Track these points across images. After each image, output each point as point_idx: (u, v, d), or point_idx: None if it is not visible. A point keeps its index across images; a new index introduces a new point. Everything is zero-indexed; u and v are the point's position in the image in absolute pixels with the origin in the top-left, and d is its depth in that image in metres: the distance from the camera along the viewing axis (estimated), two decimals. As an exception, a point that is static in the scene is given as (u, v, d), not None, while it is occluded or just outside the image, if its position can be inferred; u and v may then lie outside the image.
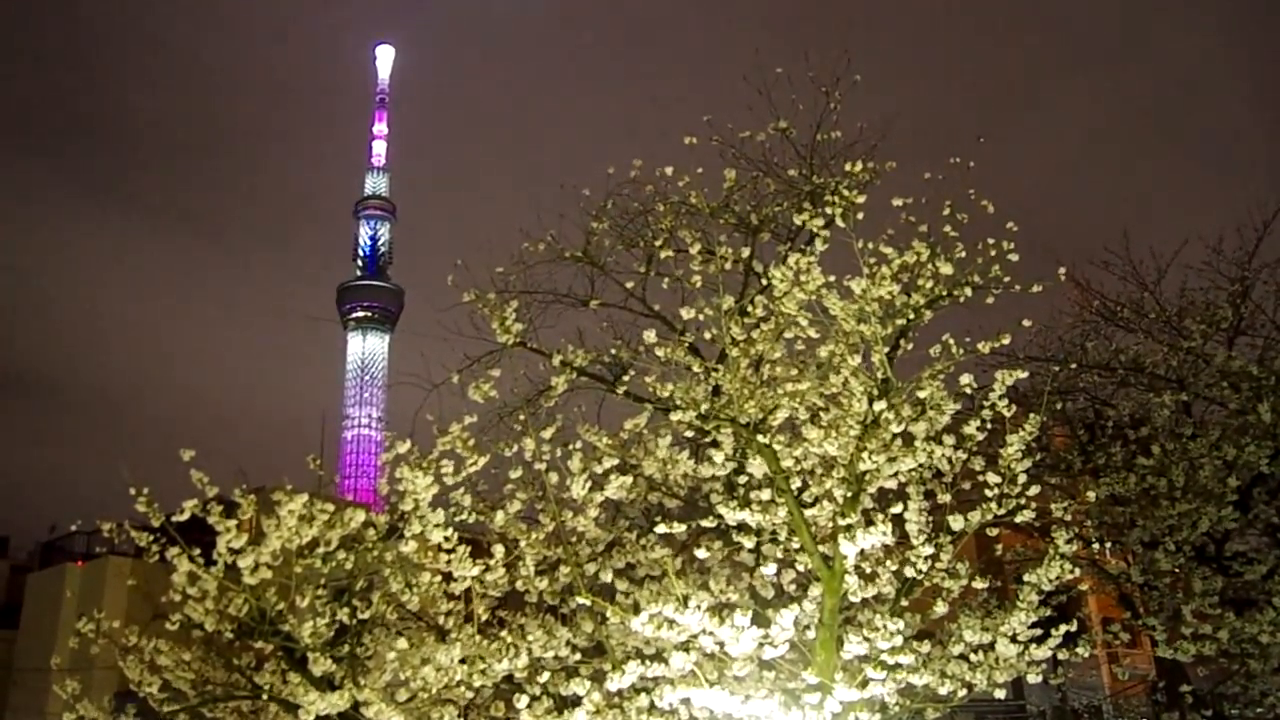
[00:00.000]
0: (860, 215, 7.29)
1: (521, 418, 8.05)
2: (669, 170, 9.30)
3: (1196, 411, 11.49)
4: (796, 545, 6.71)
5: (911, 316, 6.64)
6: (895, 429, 6.32)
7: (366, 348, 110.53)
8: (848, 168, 8.11)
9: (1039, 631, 6.74)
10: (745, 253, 8.73)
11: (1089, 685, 21.15)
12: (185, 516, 6.86)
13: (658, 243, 9.52)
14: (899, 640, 6.21)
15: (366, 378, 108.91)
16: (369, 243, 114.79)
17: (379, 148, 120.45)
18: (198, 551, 6.88)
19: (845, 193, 7.31)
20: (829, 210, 7.19)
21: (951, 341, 6.53)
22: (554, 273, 10.12)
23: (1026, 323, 7.37)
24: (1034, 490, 6.59)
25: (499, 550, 7.01)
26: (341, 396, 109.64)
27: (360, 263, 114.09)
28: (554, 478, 7.05)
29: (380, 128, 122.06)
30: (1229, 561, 10.53)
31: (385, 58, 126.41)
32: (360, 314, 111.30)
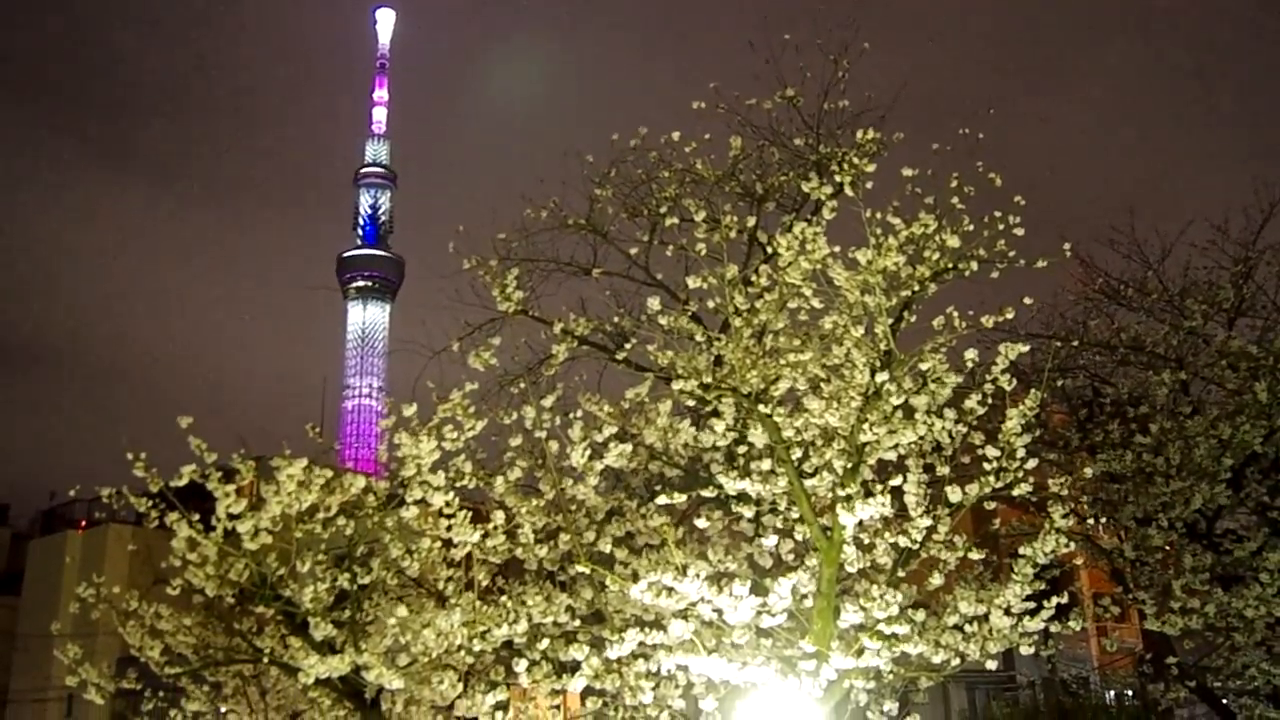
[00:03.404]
0: (869, 184, 7.27)
1: (522, 385, 8.08)
2: (675, 136, 9.24)
3: (1194, 391, 11.54)
4: (796, 515, 6.75)
5: (916, 289, 6.64)
6: (896, 401, 6.34)
7: (367, 317, 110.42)
8: (858, 136, 8.07)
9: (1032, 604, 6.81)
10: (750, 222, 8.70)
11: (1078, 657, 21.40)
12: (184, 481, 6.87)
13: (662, 211, 9.49)
14: (895, 610, 6.28)
15: (367, 347, 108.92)
16: (369, 211, 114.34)
17: (379, 114, 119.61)
18: (197, 517, 6.91)
19: (856, 160, 7.28)
20: (838, 178, 7.16)
21: (955, 315, 6.54)
22: (556, 240, 10.11)
23: (1029, 300, 7.36)
24: (1031, 465, 6.62)
25: (499, 517, 7.05)
26: (342, 366, 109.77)
27: (360, 232, 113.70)
28: (554, 446, 7.07)
29: (380, 94, 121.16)
30: (1219, 539, 10.63)
31: (385, 21, 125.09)
32: (361, 284, 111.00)
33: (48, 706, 24.94)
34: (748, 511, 6.89)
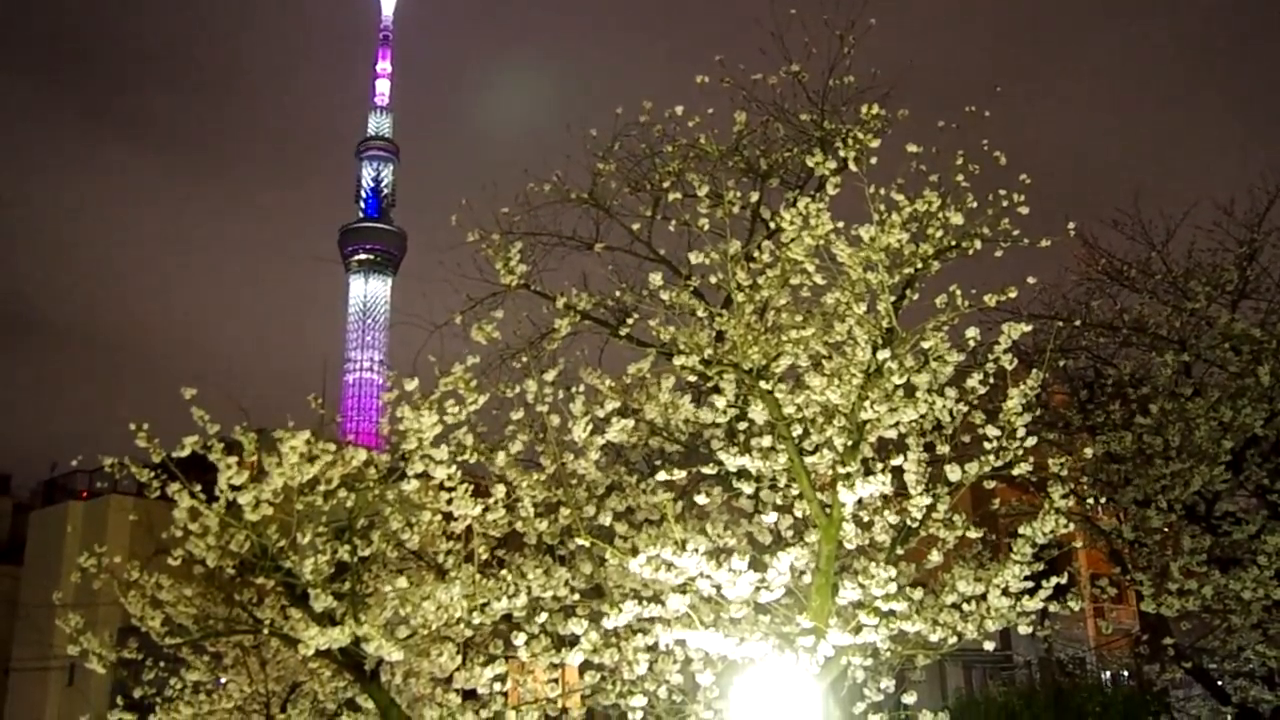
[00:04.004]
0: (874, 160, 7.22)
1: (524, 360, 8.06)
2: (678, 110, 9.17)
3: (1196, 373, 11.52)
4: (795, 492, 6.75)
5: (919, 266, 6.61)
6: (898, 379, 6.33)
7: (369, 291, 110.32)
8: (862, 111, 8.01)
9: (1030, 584, 6.82)
10: (753, 198, 8.67)
11: (1075, 638, 21.53)
12: (186, 452, 6.86)
13: (665, 185, 9.44)
14: (893, 588, 6.29)
15: (368, 321, 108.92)
16: (372, 184, 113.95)
17: (382, 86, 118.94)
18: (199, 488, 6.91)
19: (860, 135, 7.23)
20: (842, 154, 7.12)
21: (958, 293, 6.51)
22: (559, 215, 10.07)
23: (1032, 279, 7.32)
24: (1031, 444, 6.61)
25: (499, 491, 7.06)
26: (343, 340, 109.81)
27: (362, 204, 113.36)
28: (555, 420, 7.07)
29: (384, 66, 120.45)
30: (1218, 521, 10.64)
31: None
32: (362, 256, 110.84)
33: (49, 675, 25.14)
34: (747, 488, 6.89)
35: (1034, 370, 6.70)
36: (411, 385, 6.84)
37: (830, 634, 6.24)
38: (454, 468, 6.87)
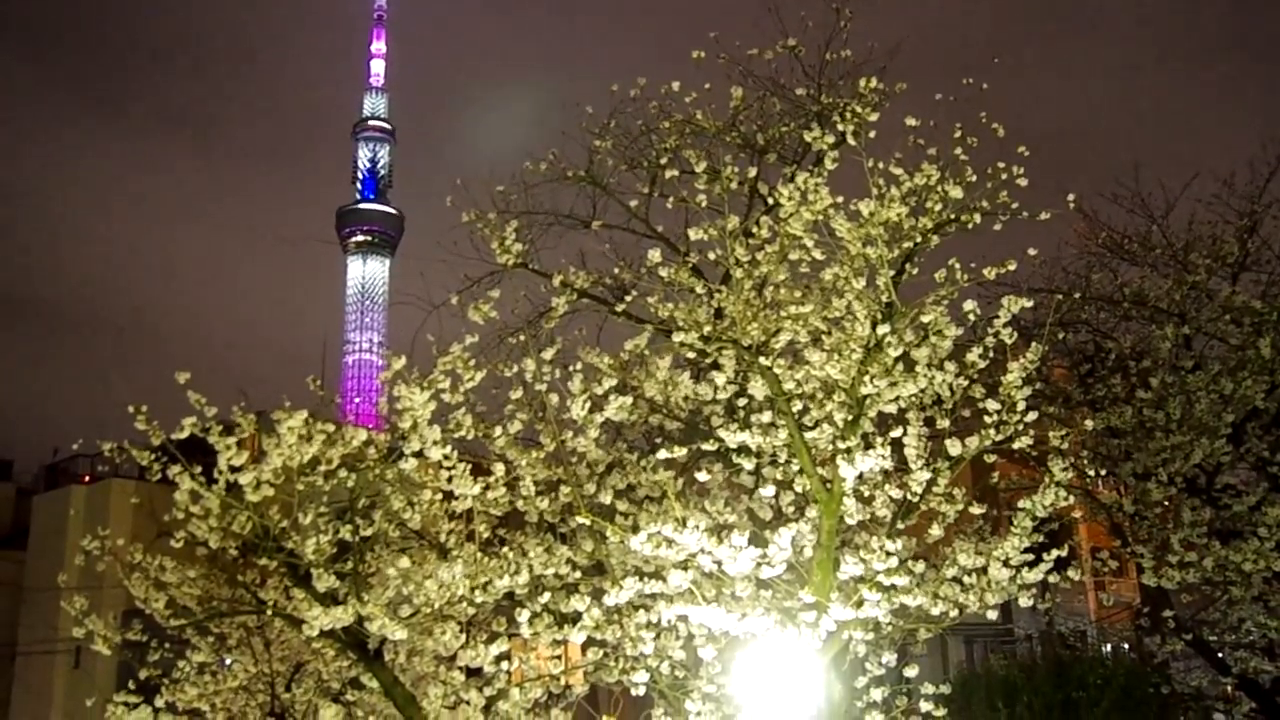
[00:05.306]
0: (872, 134, 7.17)
1: (522, 339, 8.05)
2: (675, 85, 9.10)
3: (1197, 346, 11.52)
4: (796, 468, 6.76)
5: (918, 240, 6.58)
6: (897, 354, 6.32)
7: (367, 272, 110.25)
8: (859, 85, 7.95)
9: (1031, 557, 6.83)
10: (751, 173, 8.61)
11: (1076, 611, 21.65)
12: (184, 434, 6.85)
13: (662, 162, 9.39)
14: (894, 562, 6.30)
15: (367, 302, 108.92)
16: (368, 165, 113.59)
17: (377, 67, 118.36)
18: (199, 470, 6.90)
19: (858, 109, 7.18)
20: (840, 128, 7.07)
21: (957, 267, 6.48)
22: (556, 193, 10.04)
23: (1032, 251, 7.29)
24: (1032, 418, 6.60)
25: (499, 470, 7.06)
26: (342, 321, 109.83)
27: (359, 186, 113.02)
28: (554, 399, 7.06)
29: (379, 46, 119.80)
30: (1219, 494, 10.66)
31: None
32: (360, 238, 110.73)
33: (55, 658, 25.32)
34: (748, 464, 6.89)
35: (1034, 344, 6.69)
36: (399, 363, 6.82)
37: (832, 609, 6.26)
38: (449, 447, 6.86)
